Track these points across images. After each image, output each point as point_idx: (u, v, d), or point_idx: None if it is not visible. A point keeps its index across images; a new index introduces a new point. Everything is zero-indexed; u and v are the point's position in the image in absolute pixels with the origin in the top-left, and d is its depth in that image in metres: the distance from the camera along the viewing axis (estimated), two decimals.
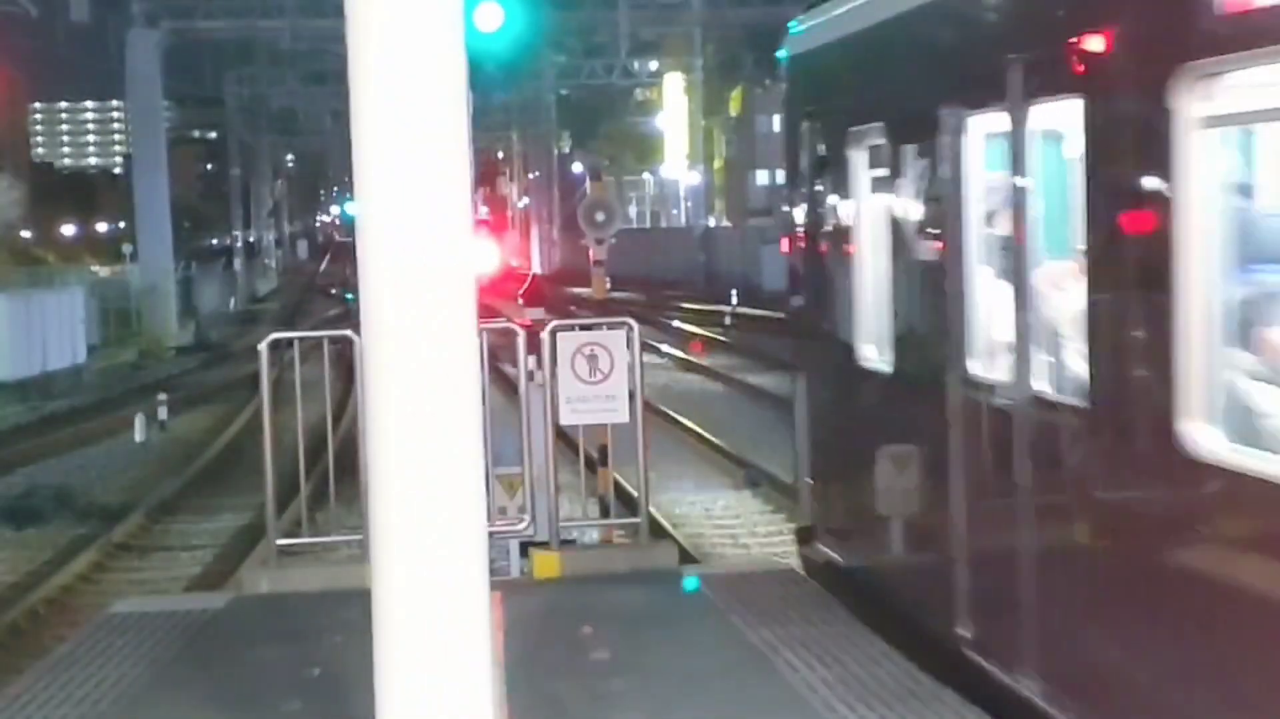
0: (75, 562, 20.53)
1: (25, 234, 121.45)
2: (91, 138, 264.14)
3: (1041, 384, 7.77)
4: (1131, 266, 7.00)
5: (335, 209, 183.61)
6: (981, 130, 8.41)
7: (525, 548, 12.39)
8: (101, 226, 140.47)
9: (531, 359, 12.17)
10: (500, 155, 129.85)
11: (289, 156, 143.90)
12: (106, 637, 10.37)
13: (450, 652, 5.88)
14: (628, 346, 11.76)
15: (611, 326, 12.07)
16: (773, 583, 11.16)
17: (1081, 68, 7.16)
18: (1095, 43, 7.06)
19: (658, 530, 15.08)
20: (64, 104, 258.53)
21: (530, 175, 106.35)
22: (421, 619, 5.86)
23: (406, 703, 5.89)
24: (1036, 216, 7.90)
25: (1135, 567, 6.86)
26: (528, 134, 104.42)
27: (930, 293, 9.16)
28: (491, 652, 6.18)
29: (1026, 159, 7.83)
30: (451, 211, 5.86)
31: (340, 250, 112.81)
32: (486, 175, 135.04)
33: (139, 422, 32.38)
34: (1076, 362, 7.51)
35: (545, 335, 11.74)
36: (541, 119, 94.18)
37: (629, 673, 9.13)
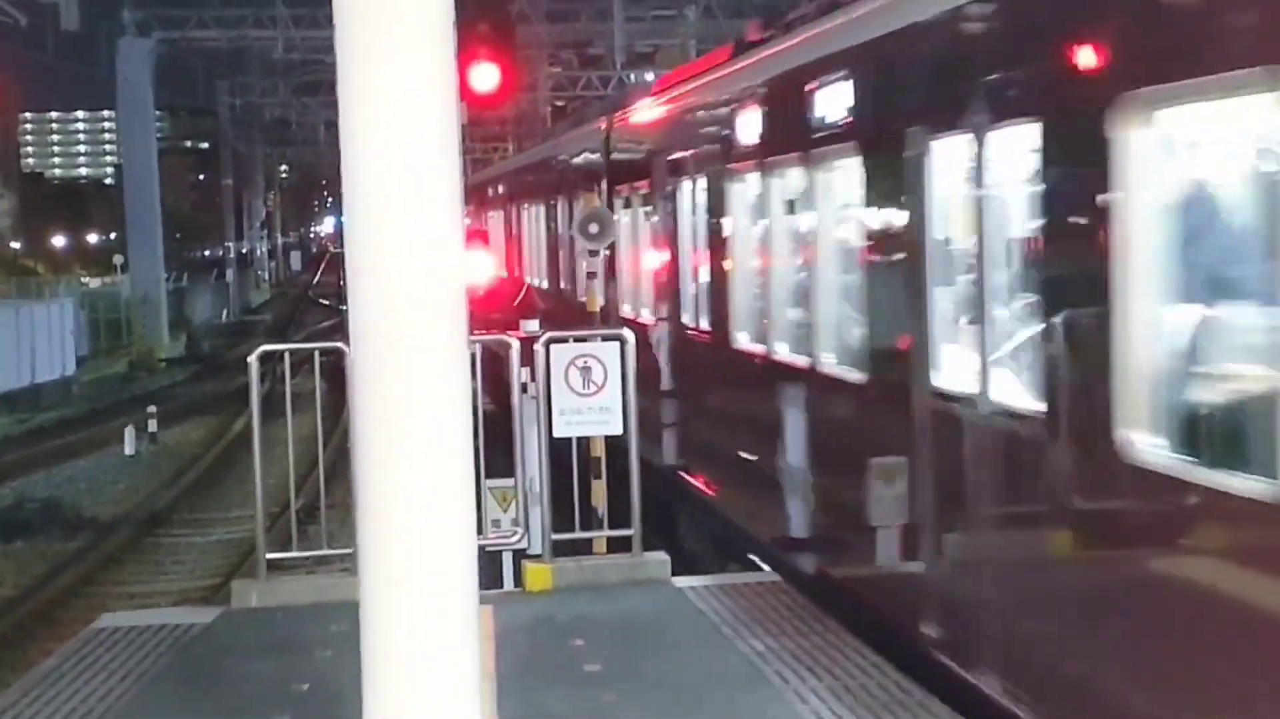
0: (63, 575, 20.47)
1: (15, 244, 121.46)
2: (82, 148, 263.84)
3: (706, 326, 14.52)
4: (736, 253, 13.62)
5: (329, 220, 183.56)
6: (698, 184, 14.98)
7: (518, 560, 12.35)
8: (92, 237, 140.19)
9: (525, 371, 12.12)
10: None
11: (282, 167, 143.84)
12: (94, 650, 10.32)
13: (439, 667, 5.83)
14: (621, 359, 11.73)
15: (605, 339, 12.05)
16: (763, 593, 11.15)
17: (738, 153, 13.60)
18: (739, 140, 13.55)
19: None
20: (55, 114, 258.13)
21: None
22: (410, 634, 5.81)
23: (395, 717, 5.84)
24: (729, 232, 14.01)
25: (731, 408, 14.16)
26: (524, 146, 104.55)
27: (674, 274, 16.08)
28: (482, 665, 6.13)
29: (729, 201, 13.82)
30: (442, 222, 5.80)
31: (334, 262, 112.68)
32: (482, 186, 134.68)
33: (129, 434, 32.28)
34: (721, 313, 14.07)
35: (539, 347, 11.70)
36: (537, 131, 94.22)
37: (621, 684, 9.11)
